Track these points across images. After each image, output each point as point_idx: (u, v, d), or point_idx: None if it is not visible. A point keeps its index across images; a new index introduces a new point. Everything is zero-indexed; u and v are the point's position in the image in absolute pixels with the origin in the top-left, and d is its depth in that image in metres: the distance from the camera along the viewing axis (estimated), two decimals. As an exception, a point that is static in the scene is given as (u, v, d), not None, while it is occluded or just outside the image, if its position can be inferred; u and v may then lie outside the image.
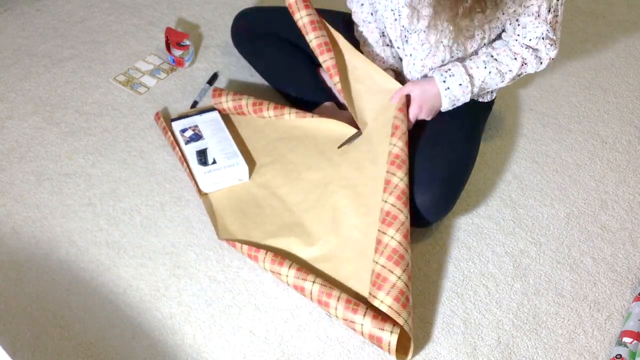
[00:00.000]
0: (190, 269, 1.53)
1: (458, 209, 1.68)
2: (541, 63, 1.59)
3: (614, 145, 1.88)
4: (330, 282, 1.47)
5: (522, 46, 1.56)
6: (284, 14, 1.91)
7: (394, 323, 1.37)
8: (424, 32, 1.56)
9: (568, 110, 1.98)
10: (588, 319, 1.50)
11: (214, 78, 1.98)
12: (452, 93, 1.57)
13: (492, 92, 1.73)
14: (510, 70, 1.57)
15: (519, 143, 1.87)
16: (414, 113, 1.60)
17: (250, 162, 1.72)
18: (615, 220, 1.70)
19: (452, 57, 1.59)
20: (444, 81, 1.57)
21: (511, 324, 1.48)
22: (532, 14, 1.51)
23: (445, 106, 1.60)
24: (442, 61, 1.60)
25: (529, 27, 1.53)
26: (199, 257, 1.56)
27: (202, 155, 1.68)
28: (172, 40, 1.99)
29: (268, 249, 1.53)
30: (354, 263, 1.47)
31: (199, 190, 1.65)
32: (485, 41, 1.58)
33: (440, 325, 1.47)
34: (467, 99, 1.59)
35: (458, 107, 1.63)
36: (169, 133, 1.75)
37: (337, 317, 1.41)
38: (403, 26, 1.59)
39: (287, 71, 1.85)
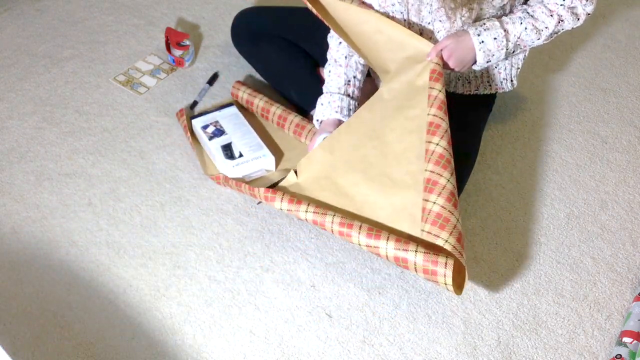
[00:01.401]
0: (190, 269, 1.53)
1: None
2: (578, 19, 1.57)
3: (614, 145, 1.88)
4: (371, 223, 1.47)
5: (557, 4, 1.54)
6: (284, 13, 1.91)
7: (447, 254, 1.38)
8: (440, 21, 1.54)
9: (568, 110, 1.98)
10: (588, 319, 1.50)
11: (214, 78, 1.98)
12: (487, 47, 1.51)
13: (512, 79, 1.70)
14: (546, 27, 1.54)
15: (518, 143, 1.87)
16: (447, 59, 1.52)
17: (277, 153, 1.75)
18: (615, 220, 1.70)
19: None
20: (479, 34, 1.51)
21: (511, 324, 1.48)
22: None
23: (480, 61, 1.53)
24: None
25: None
26: (199, 257, 1.56)
27: (227, 150, 1.71)
28: (172, 40, 1.99)
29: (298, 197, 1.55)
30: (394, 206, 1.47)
31: (229, 180, 1.64)
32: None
33: (440, 325, 1.47)
34: (502, 55, 1.54)
35: (459, 105, 1.62)
36: (189, 131, 1.78)
37: (387, 256, 1.40)
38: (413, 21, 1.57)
39: (287, 71, 1.85)
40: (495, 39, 1.51)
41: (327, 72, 1.67)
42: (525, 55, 1.69)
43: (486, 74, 1.68)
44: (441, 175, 1.41)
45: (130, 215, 1.63)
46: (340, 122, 1.64)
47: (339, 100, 1.63)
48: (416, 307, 1.49)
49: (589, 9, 1.57)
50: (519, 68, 1.70)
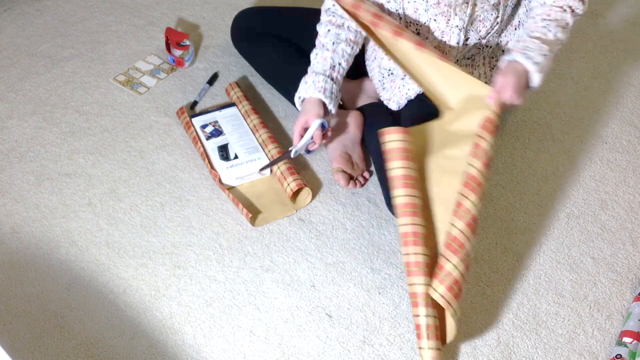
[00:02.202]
0: (190, 269, 1.53)
1: (458, 209, 1.68)
2: (583, 2, 1.55)
3: (614, 145, 1.88)
4: None
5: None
6: (284, 13, 1.91)
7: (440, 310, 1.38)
8: (435, 20, 1.55)
9: (568, 110, 1.98)
10: (588, 319, 1.50)
11: (214, 78, 1.98)
12: (541, 67, 1.47)
13: None
14: (567, 23, 1.53)
15: (519, 143, 1.87)
16: (511, 99, 1.45)
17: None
18: (615, 220, 1.70)
19: (467, 39, 1.58)
20: (528, 57, 1.46)
21: (511, 324, 1.48)
22: None
23: (538, 81, 1.48)
24: (457, 43, 1.57)
25: None
26: (199, 257, 1.56)
27: (223, 151, 1.72)
28: (172, 40, 1.99)
29: None
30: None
31: (221, 185, 1.67)
32: (499, 20, 1.56)
33: (440, 325, 1.47)
34: (550, 66, 1.51)
35: None
36: (192, 128, 1.77)
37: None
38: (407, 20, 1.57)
39: (287, 71, 1.84)
40: (545, 55, 1.48)
41: (313, 55, 1.68)
42: None
43: (484, 76, 1.68)
44: (468, 239, 1.36)
45: (130, 215, 1.63)
46: (322, 103, 1.64)
47: (323, 81, 1.63)
48: (416, 307, 1.49)
49: None
50: None
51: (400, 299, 1.50)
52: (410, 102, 1.67)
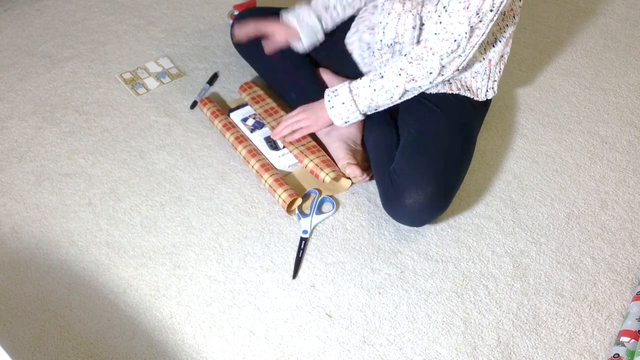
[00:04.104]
0: (190, 269, 1.53)
1: (458, 208, 1.68)
2: (430, 73, 1.56)
3: (614, 145, 1.88)
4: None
5: (410, 61, 1.56)
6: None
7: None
8: (389, 1, 1.57)
9: (568, 110, 1.98)
10: (588, 319, 1.50)
11: (214, 78, 1.98)
12: (337, 111, 1.64)
13: (487, 90, 1.70)
14: (397, 86, 1.59)
15: (519, 143, 1.87)
16: (298, 118, 1.69)
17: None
18: (615, 220, 1.70)
19: (423, 21, 1.58)
20: (329, 100, 1.64)
21: (511, 324, 1.48)
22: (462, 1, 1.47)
23: (338, 123, 1.66)
24: (413, 27, 1.58)
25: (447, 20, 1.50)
26: (199, 257, 1.56)
27: (270, 141, 1.77)
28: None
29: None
30: None
31: (257, 173, 1.71)
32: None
33: (440, 325, 1.47)
34: (358, 116, 1.65)
35: (451, 104, 1.62)
36: (219, 117, 1.80)
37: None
38: None
39: (287, 72, 1.84)
40: (343, 103, 1.63)
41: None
42: (500, 69, 1.69)
43: (463, 80, 1.67)
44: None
45: (130, 215, 1.63)
46: (297, 35, 1.76)
47: (308, 16, 1.75)
48: (416, 307, 1.49)
49: (450, 62, 1.54)
50: (495, 80, 1.69)
51: (400, 299, 1.50)
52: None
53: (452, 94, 1.67)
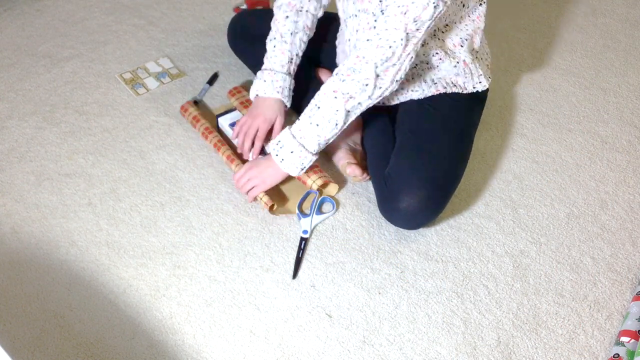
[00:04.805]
0: (190, 269, 1.53)
1: (458, 208, 1.68)
2: (367, 85, 1.45)
3: (614, 145, 1.88)
4: None
5: (342, 79, 1.46)
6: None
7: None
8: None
9: (568, 110, 1.98)
10: (588, 319, 1.50)
11: (214, 78, 1.98)
12: (289, 162, 1.55)
13: (475, 85, 1.65)
14: (337, 111, 1.48)
15: (519, 143, 1.87)
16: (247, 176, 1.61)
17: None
18: (615, 220, 1.70)
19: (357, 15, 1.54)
20: (277, 154, 1.55)
21: (511, 324, 1.48)
22: (400, 6, 1.38)
23: (295, 173, 1.57)
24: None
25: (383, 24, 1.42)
26: (199, 257, 1.56)
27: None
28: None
29: None
30: None
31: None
32: None
33: (440, 325, 1.47)
34: (312, 158, 1.55)
35: (444, 102, 1.62)
36: (201, 122, 1.78)
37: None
38: None
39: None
40: (292, 152, 1.54)
41: (271, 45, 1.68)
42: (482, 63, 1.65)
43: (448, 78, 1.64)
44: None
45: (130, 215, 1.63)
46: (280, 103, 1.67)
47: (281, 80, 1.65)
48: (416, 307, 1.49)
49: (384, 70, 1.44)
50: (481, 74, 1.65)
51: (400, 299, 1.50)
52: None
53: (432, 95, 1.64)
